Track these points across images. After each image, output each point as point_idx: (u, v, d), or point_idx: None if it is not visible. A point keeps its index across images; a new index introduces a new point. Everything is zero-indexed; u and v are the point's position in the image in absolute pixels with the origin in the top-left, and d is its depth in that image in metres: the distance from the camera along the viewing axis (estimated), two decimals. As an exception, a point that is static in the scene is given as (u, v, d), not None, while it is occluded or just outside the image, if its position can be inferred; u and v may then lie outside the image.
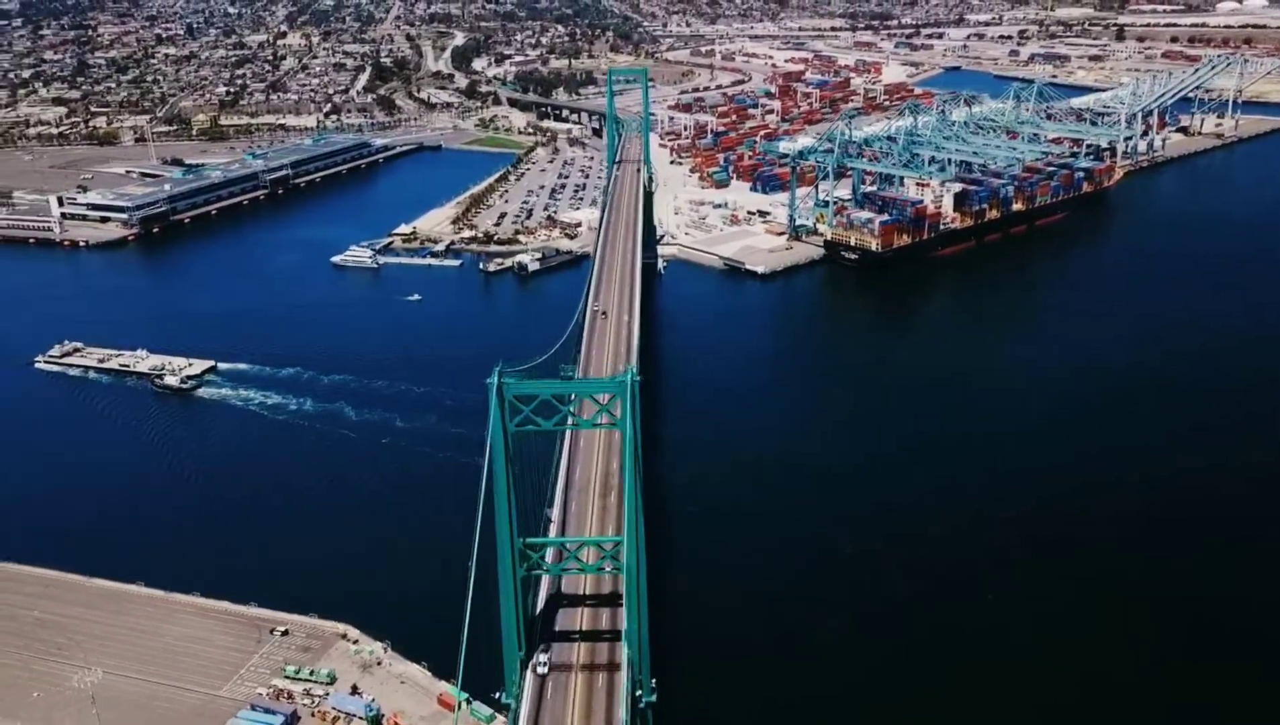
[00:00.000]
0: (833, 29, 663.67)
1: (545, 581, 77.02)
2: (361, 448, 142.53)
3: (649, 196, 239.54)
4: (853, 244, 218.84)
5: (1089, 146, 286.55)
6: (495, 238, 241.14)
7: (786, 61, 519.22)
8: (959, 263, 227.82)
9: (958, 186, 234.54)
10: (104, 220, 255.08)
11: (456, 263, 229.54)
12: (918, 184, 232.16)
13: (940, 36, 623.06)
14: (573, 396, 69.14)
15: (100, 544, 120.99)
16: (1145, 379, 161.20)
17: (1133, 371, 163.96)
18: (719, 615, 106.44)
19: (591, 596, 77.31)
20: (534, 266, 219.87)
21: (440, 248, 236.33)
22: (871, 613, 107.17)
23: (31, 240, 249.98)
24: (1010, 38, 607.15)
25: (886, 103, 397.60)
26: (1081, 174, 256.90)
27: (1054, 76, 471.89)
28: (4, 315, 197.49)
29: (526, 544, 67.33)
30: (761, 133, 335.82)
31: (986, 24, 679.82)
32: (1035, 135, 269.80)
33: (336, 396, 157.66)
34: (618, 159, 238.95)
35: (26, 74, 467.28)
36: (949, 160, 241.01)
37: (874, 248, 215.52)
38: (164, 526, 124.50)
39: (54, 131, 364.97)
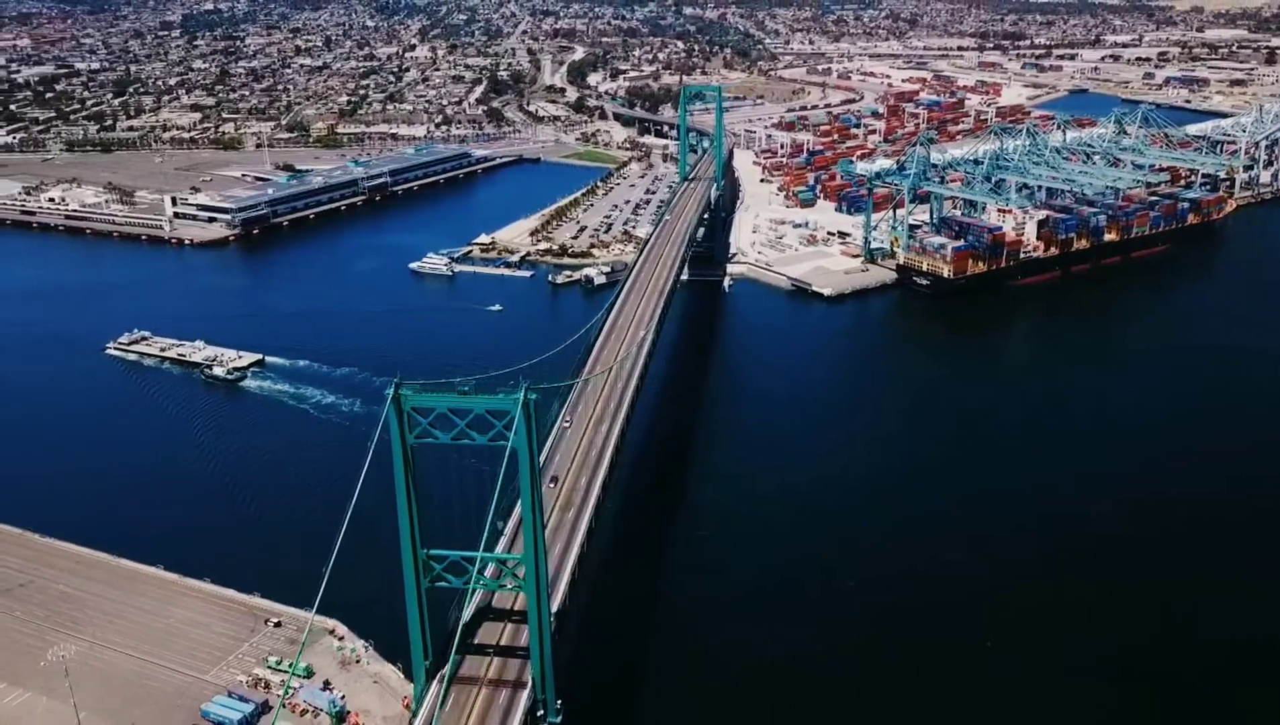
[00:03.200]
0: (959, 49, 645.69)
1: (480, 593, 77.49)
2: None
3: (719, 214, 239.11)
4: (925, 269, 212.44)
5: (1204, 176, 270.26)
6: (569, 251, 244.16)
7: (903, 81, 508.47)
8: (1041, 293, 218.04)
9: (1042, 213, 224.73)
10: (210, 220, 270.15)
11: (528, 274, 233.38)
12: (999, 210, 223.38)
13: (1072, 58, 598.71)
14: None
15: (130, 524, 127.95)
16: (1242, 427, 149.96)
17: (1227, 419, 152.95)
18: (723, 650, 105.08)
19: (519, 612, 77.31)
20: (600, 280, 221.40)
21: (515, 258, 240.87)
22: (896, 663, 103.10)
23: (144, 237, 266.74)
24: (1148, 60, 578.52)
25: (1007, 125, 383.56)
26: (1186, 205, 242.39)
27: (1187, 101, 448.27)
28: (95, 304, 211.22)
29: (430, 556, 67.99)
30: (858, 153, 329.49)
31: (1124, 45, 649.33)
32: (1138, 162, 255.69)
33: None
34: (692, 175, 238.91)
35: (173, 81, 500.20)
36: (1037, 186, 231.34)
37: (946, 274, 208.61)
38: (186, 511, 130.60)
39: (185, 136, 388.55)
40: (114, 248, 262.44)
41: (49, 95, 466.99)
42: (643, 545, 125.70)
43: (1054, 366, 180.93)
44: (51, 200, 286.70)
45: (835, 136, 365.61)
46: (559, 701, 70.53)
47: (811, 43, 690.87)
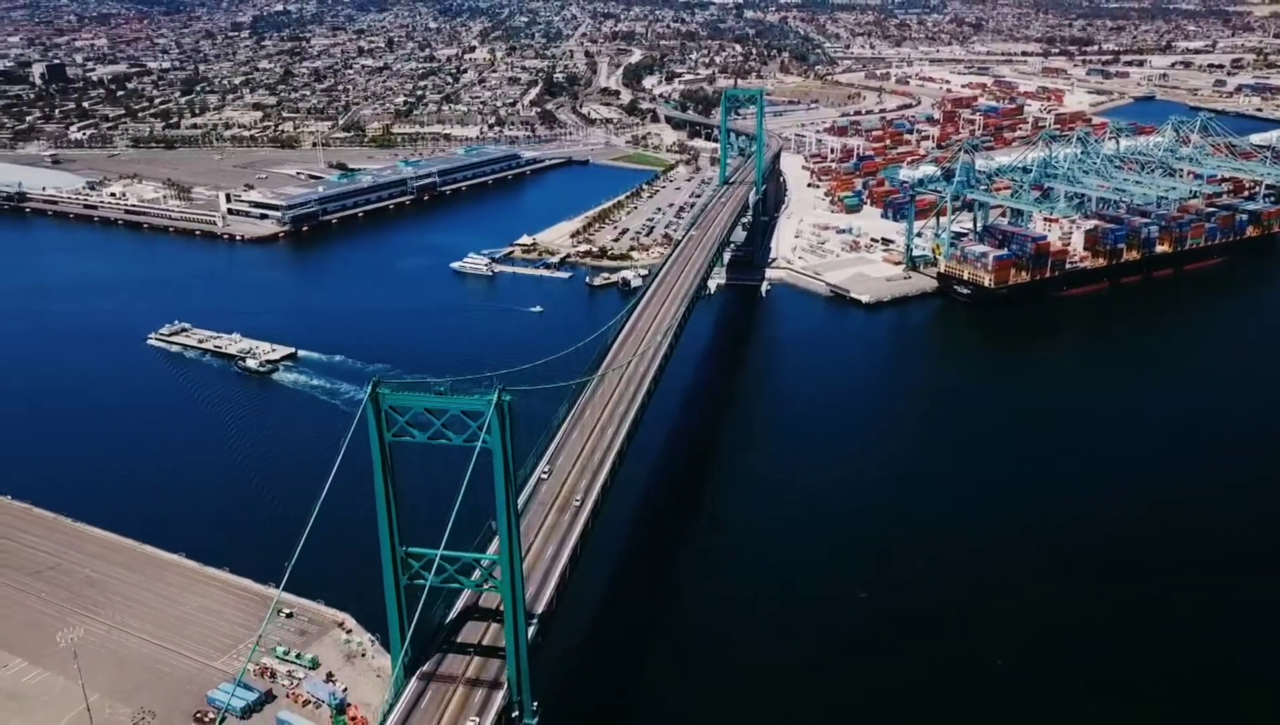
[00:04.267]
0: (1023, 54, 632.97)
1: (469, 593, 77.90)
2: (417, 449, 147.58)
3: (761, 218, 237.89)
4: (965, 278, 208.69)
5: (1268, 187, 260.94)
6: (609, 253, 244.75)
7: (963, 86, 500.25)
8: (1087, 305, 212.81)
9: (1090, 223, 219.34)
10: (262, 217, 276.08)
11: (566, 275, 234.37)
12: (1045, 219, 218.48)
13: (1141, 64, 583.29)
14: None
15: (156, 511, 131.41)
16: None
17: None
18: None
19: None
20: (636, 282, 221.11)
21: (554, 260, 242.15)
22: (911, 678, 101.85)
23: (198, 232, 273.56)
24: (1221, 66, 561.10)
25: (1056, 132, 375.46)
26: (1245, 217, 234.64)
27: (1258, 110, 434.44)
28: (144, 296, 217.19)
29: (409, 553, 68.58)
30: (908, 159, 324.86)
31: (1197, 51, 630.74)
32: (1197, 172, 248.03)
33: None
34: (733, 179, 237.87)
35: (238, 80, 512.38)
36: (1087, 196, 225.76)
37: (987, 283, 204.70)
38: (210, 500, 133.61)
39: (246, 134, 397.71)
40: (169, 242, 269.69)
41: (120, 93, 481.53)
42: (656, 548, 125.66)
43: (1097, 381, 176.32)
44: (113, 195, 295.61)
45: (887, 142, 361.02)
46: (535, 703, 70.55)
47: (872, 47, 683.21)
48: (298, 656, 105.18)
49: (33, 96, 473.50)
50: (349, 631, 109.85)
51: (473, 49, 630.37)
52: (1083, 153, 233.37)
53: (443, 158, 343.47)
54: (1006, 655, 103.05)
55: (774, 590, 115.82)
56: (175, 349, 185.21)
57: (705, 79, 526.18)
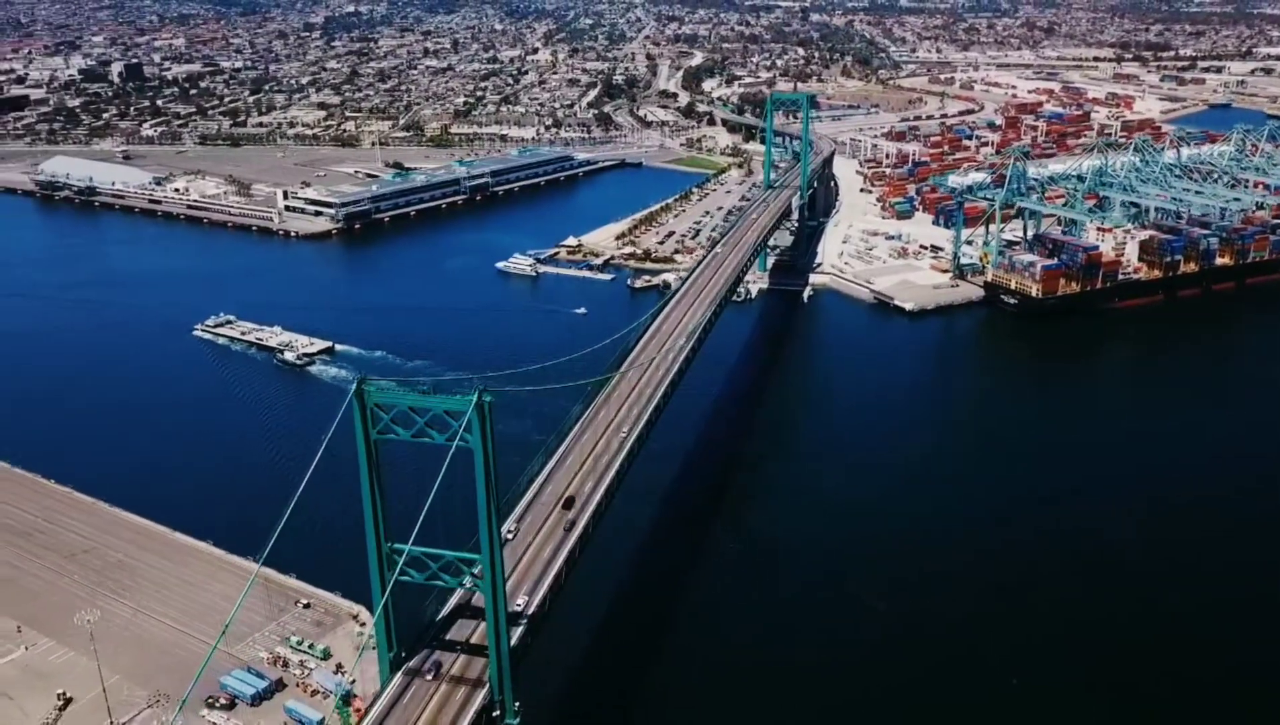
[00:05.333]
0: (1095, 59, 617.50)
1: (462, 591, 78.35)
2: (433, 450, 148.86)
3: (809, 222, 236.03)
4: (1012, 287, 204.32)
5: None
6: (653, 255, 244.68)
7: (1029, 92, 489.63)
8: (1141, 317, 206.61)
9: (1146, 233, 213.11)
10: (317, 214, 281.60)
11: (609, 277, 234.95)
12: (1099, 229, 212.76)
13: (1219, 70, 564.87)
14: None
15: (188, 499, 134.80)
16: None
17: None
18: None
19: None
20: (677, 285, 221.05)
21: (598, 262, 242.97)
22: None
23: (255, 228, 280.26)
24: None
25: (1123, 140, 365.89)
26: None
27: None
28: (195, 288, 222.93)
29: (394, 549, 69.30)
30: (964, 166, 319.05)
31: (1279, 57, 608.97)
32: (1264, 183, 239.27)
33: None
34: (779, 183, 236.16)
35: (305, 80, 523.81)
36: (1144, 206, 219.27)
37: (1034, 293, 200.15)
38: (239, 488, 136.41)
39: (309, 133, 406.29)
40: (226, 237, 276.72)
41: (192, 92, 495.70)
42: (675, 552, 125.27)
43: (1145, 398, 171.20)
44: (176, 190, 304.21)
45: (945, 148, 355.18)
46: (517, 704, 70.75)
47: (939, 51, 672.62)
48: (310, 647, 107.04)
49: (110, 94, 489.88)
50: (363, 624, 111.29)
51: (535, 50, 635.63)
52: (1141, 161, 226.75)
53: (497, 158, 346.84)
54: (1038, 676, 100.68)
55: (789, 595, 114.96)
56: (221, 341, 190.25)
57: (765, 82, 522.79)
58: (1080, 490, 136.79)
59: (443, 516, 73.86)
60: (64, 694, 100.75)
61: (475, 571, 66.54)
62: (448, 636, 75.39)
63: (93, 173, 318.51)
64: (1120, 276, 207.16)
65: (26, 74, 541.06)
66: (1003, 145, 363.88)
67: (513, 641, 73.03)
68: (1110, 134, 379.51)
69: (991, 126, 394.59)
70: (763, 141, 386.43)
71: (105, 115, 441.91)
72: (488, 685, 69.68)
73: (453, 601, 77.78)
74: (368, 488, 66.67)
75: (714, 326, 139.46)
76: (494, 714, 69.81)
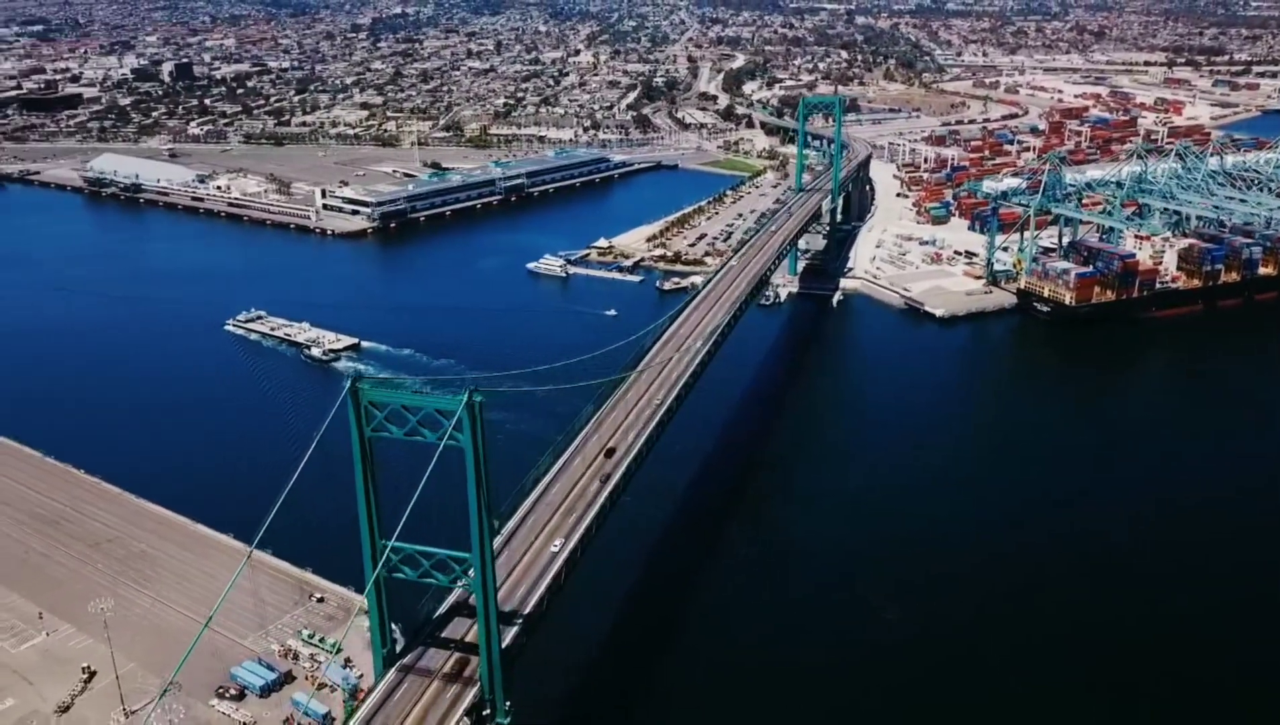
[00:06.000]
0: (1145, 64, 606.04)
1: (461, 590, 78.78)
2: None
3: (843, 226, 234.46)
4: (1046, 295, 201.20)
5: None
6: (683, 258, 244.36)
7: (1075, 97, 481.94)
8: (1179, 327, 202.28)
9: (1185, 242, 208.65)
10: (354, 213, 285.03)
11: (638, 279, 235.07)
12: (1136, 236, 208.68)
13: (1275, 75, 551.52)
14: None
15: (210, 491, 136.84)
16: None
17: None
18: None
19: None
20: (694, 290, 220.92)
21: (628, 263, 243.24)
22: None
23: (293, 226, 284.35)
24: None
25: (1170, 146, 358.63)
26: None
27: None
28: (231, 284, 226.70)
29: (388, 546, 69.87)
30: (1005, 171, 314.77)
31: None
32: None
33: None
34: (810, 187, 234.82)
35: (350, 80, 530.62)
36: (1185, 214, 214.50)
37: (1068, 301, 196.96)
38: (259, 481, 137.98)
39: (350, 132, 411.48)
40: (264, 234, 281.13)
41: (240, 91, 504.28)
42: (690, 553, 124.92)
43: (1179, 405, 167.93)
44: (219, 188, 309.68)
45: (985, 153, 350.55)
46: (508, 703, 71.01)
47: (985, 55, 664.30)
48: (321, 640, 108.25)
49: (160, 93, 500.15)
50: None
51: (578, 52, 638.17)
52: (1184, 168, 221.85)
53: (533, 159, 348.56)
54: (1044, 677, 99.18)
55: (801, 596, 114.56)
56: (252, 337, 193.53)
57: (806, 85, 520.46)
58: (1105, 500, 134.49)
59: (447, 514, 74.70)
60: (87, 668, 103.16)
61: (465, 569, 66.79)
62: (443, 634, 75.77)
63: (139, 170, 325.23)
64: (1158, 285, 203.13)
65: (81, 73, 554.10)
66: (1045, 150, 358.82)
67: (506, 642, 73.38)
68: (1156, 140, 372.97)
69: (1034, 131, 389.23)
70: (805, 146, 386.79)
71: (154, 114, 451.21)
72: (479, 684, 69.89)
73: (451, 599, 78.20)
74: (361, 484, 67.35)
75: (731, 332, 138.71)
76: (484, 712, 70.05)
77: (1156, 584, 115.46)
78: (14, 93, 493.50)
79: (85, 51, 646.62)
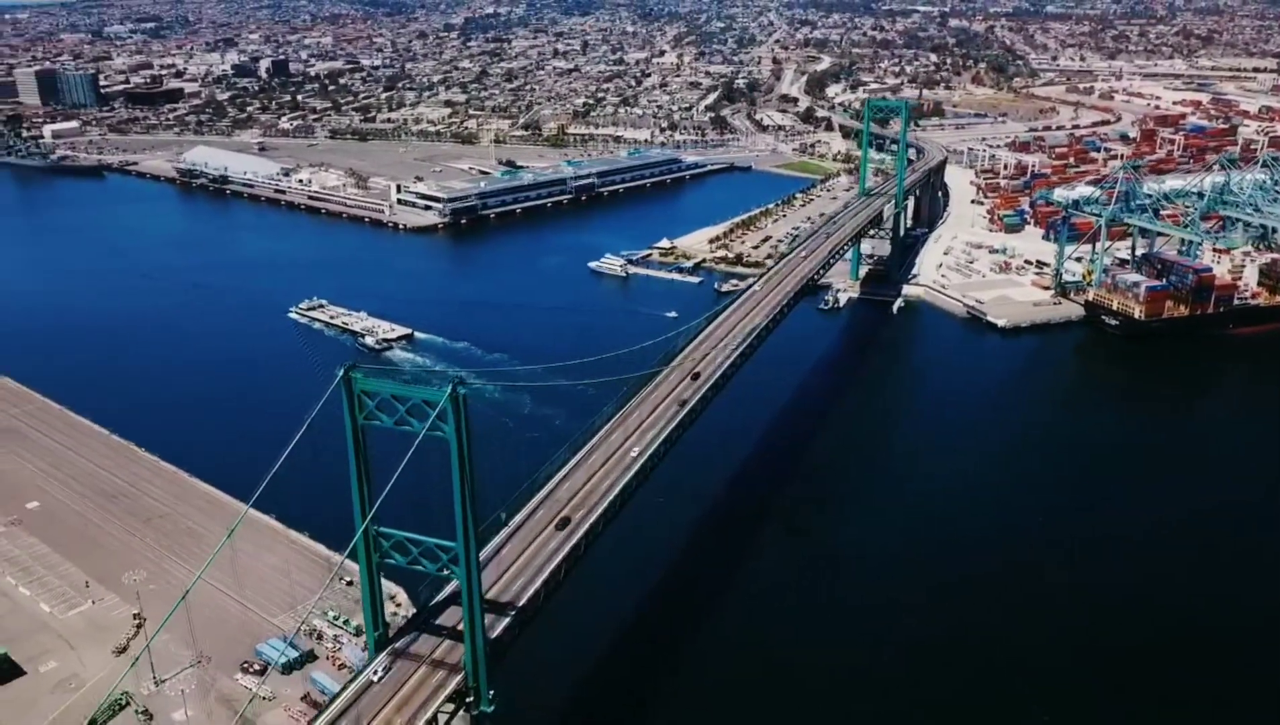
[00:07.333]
0: (1254, 70, 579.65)
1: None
2: (511, 441, 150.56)
3: (912, 231, 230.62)
4: (1115, 308, 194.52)
5: None
6: (744, 260, 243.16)
7: (1174, 103, 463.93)
8: (1259, 346, 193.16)
9: (1268, 257, 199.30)
10: (426, 208, 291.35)
11: (697, 280, 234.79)
12: (1214, 250, 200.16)
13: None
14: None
15: (257, 472, 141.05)
16: None
17: None
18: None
19: (488, 600, 79.53)
20: (734, 294, 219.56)
21: (689, 265, 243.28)
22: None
23: (367, 219, 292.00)
24: None
25: (1269, 156, 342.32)
26: None
27: None
28: (302, 273, 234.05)
29: (379, 533, 71.64)
30: (1086, 180, 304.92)
31: None
32: None
33: (524, 391, 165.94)
34: (875, 191, 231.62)
35: (437, 79, 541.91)
36: (1272, 227, 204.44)
37: (1137, 315, 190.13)
38: (302, 464, 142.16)
39: (432, 129, 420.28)
40: (340, 227, 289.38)
41: (331, 88, 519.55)
42: (719, 554, 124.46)
43: (1257, 434, 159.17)
44: (300, 181, 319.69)
45: (1070, 160, 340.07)
46: (491, 691, 72.09)
47: (1082, 59, 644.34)
48: (345, 622, 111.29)
49: (256, 89, 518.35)
50: (399, 605, 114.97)
51: (662, 53, 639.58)
52: (1271, 179, 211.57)
53: (606, 159, 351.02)
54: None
55: (829, 601, 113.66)
56: (316, 325, 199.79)
57: (891, 88, 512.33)
58: (1166, 527, 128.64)
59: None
60: (126, 635, 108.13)
61: (450, 558, 68.15)
62: (438, 621, 77.34)
63: (228, 163, 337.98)
64: (1236, 301, 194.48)
65: (185, 68, 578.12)
66: (1135, 158, 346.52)
67: (497, 633, 74.54)
68: (1255, 149, 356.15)
69: (1124, 139, 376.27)
70: (879, 149, 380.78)
71: (249, 108, 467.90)
72: (463, 672, 71.16)
73: (450, 587, 79.65)
74: (354, 471, 69.17)
75: (768, 336, 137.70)
76: (468, 699, 71.26)
77: (1216, 631, 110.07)
78: (121, 87, 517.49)
79: (191, 48, 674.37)
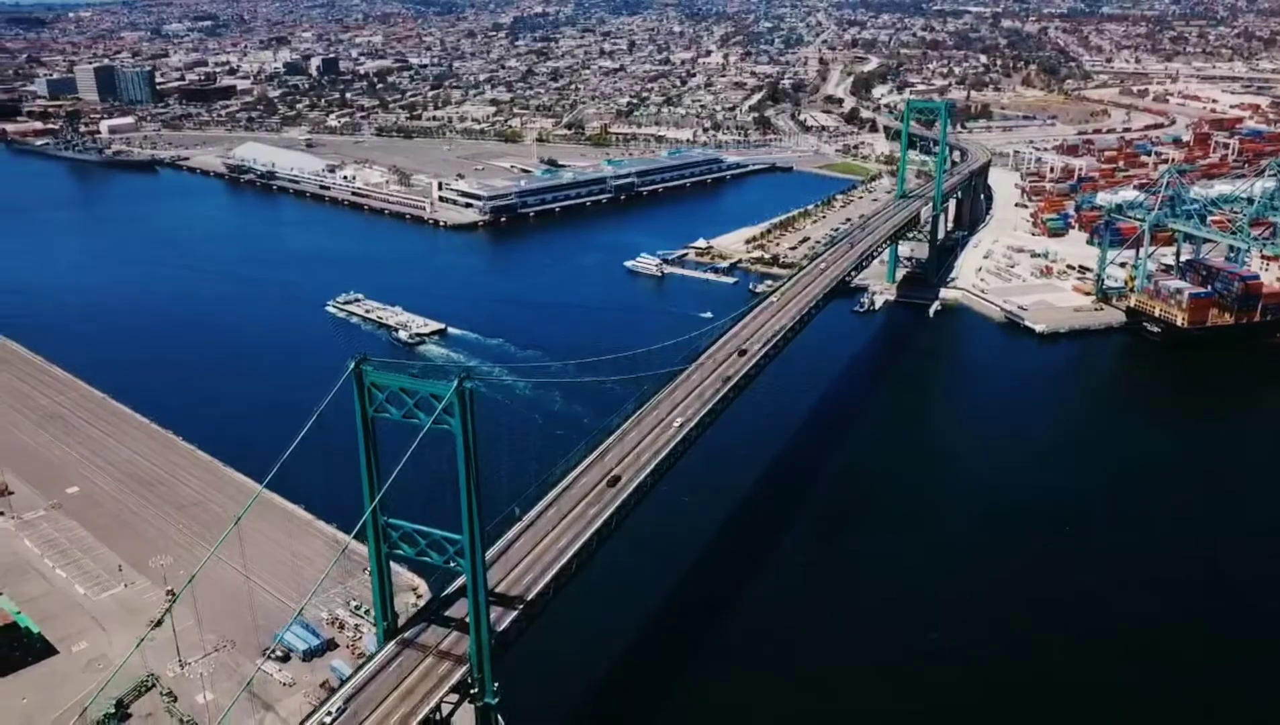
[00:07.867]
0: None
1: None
2: (540, 438, 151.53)
3: (952, 235, 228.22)
4: (1157, 315, 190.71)
5: None
6: (780, 261, 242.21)
7: (1232, 107, 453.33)
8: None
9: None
10: (467, 206, 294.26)
11: (732, 280, 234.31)
12: (1264, 256, 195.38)
13: None
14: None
15: (290, 463, 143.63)
16: None
17: None
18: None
19: (496, 593, 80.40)
20: (759, 296, 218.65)
21: (724, 265, 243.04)
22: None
23: (408, 216, 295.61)
24: None
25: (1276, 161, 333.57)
26: None
27: None
28: (341, 267, 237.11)
29: (389, 524, 72.74)
30: (1134, 183, 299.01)
31: None
32: None
33: (554, 388, 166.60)
34: (914, 193, 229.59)
35: (483, 77, 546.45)
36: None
37: (1180, 322, 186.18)
38: (334, 455, 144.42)
39: (476, 128, 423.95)
40: (382, 223, 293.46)
41: (379, 86, 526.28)
42: (742, 555, 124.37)
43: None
44: (344, 177, 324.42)
45: (1120, 164, 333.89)
46: (496, 684, 72.84)
47: (1138, 61, 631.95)
48: (366, 612, 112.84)
49: (306, 86, 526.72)
50: (420, 597, 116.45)
51: (709, 53, 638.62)
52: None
53: (646, 159, 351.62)
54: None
55: (845, 606, 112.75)
56: (354, 319, 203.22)
57: (938, 90, 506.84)
58: (1198, 540, 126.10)
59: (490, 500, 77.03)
60: (154, 619, 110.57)
61: (455, 550, 69.05)
62: (447, 612, 78.28)
63: (275, 159, 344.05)
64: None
65: (239, 66, 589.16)
66: (1187, 162, 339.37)
67: (504, 625, 75.33)
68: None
69: (1176, 142, 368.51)
70: (924, 151, 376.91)
71: (298, 106, 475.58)
72: (468, 663, 72.00)
73: (460, 580, 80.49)
74: (364, 462, 70.32)
75: (795, 337, 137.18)
76: (472, 690, 72.10)
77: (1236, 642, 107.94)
78: (176, 84, 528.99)
79: (245, 46, 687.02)
